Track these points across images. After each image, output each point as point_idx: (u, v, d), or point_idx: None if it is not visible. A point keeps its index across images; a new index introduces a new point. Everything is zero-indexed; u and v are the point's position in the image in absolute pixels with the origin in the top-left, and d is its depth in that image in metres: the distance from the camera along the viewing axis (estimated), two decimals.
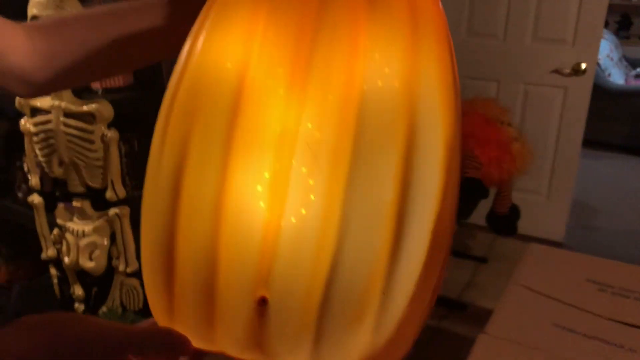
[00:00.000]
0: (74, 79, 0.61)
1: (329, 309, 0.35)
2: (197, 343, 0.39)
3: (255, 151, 0.36)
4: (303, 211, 0.35)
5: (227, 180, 0.36)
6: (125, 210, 1.47)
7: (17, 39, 0.55)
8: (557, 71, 2.41)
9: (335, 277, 0.35)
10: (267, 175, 0.35)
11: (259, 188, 0.35)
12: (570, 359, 1.04)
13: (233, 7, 0.39)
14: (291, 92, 0.36)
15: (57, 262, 1.64)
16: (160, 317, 0.40)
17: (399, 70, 0.36)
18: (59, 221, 1.55)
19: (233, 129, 0.36)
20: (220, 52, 0.38)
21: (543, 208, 2.67)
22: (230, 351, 0.38)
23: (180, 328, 0.39)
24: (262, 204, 0.35)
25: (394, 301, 0.36)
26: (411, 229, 0.35)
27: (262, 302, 0.35)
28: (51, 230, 1.60)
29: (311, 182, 0.35)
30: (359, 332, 0.36)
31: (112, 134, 1.37)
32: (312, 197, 0.35)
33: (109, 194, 1.44)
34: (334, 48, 0.36)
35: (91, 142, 1.38)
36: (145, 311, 1.64)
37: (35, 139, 1.43)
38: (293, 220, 0.35)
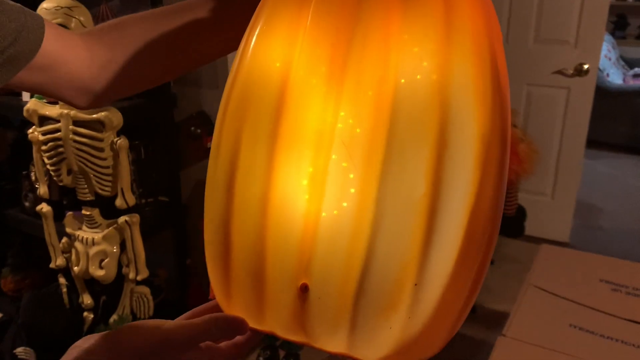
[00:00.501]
0: (135, 83, 0.59)
1: (363, 298, 0.37)
2: (251, 323, 0.42)
3: (298, 147, 0.37)
4: (344, 204, 0.36)
5: (273, 175, 0.38)
6: (135, 218, 1.46)
7: (74, 48, 0.54)
8: (559, 72, 2.42)
9: (369, 268, 0.36)
10: (310, 169, 0.37)
11: (304, 182, 0.37)
12: None
13: (280, 12, 0.40)
14: (330, 89, 0.37)
15: (66, 271, 1.64)
16: (221, 300, 0.43)
17: (436, 64, 0.36)
18: (68, 230, 1.54)
19: (278, 127, 0.38)
20: (268, 54, 0.40)
21: (548, 208, 2.68)
22: (278, 332, 0.41)
23: (237, 310, 0.42)
24: (306, 196, 0.37)
25: (426, 294, 0.37)
26: (443, 223, 0.36)
27: (304, 289, 0.38)
28: (60, 239, 1.60)
29: (351, 176, 0.36)
30: (391, 321, 0.37)
31: (122, 142, 1.37)
32: (352, 190, 0.36)
33: (118, 202, 1.43)
34: (369, 45, 0.37)
35: (101, 150, 1.38)
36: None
37: (43, 147, 1.43)
38: (335, 212, 0.37)
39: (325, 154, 0.37)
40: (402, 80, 0.36)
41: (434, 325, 0.38)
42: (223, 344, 0.45)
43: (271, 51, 0.39)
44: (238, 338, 0.45)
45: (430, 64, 0.36)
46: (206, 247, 0.43)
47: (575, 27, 2.37)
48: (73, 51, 0.54)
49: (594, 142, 3.82)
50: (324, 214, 0.37)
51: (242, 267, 0.40)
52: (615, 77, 4.43)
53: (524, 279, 1.28)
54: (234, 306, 0.42)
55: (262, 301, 0.40)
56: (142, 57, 0.56)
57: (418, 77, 0.36)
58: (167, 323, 0.41)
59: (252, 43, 0.41)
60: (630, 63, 4.85)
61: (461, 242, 0.36)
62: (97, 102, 0.58)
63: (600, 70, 4.15)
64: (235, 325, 0.42)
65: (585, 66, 2.36)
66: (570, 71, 2.40)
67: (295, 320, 0.39)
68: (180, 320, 0.45)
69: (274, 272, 0.38)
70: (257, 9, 0.43)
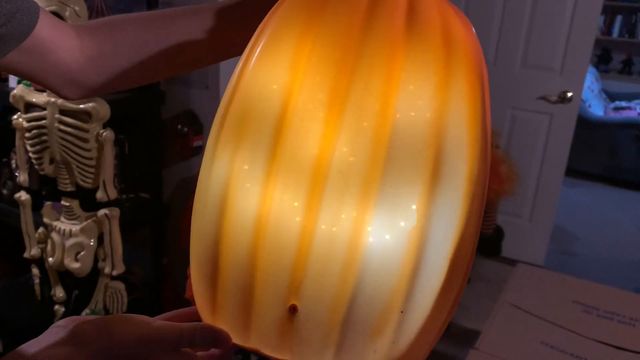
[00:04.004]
0: (122, 81, 0.60)
1: (352, 322, 0.38)
2: (235, 339, 0.42)
3: (295, 170, 0.38)
4: (334, 229, 0.37)
5: (268, 196, 0.38)
6: (115, 212, 1.45)
7: (65, 37, 0.55)
8: (544, 98, 2.47)
9: (358, 295, 0.38)
10: (306, 193, 0.38)
11: (296, 204, 0.38)
12: None
13: (283, 34, 0.41)
14: (330, 117, 0.38)
15: (40, 262, 1.61)
16: (204, 314, 0.44)
17: (431, 104, 0.38)
18: (46, 220, 1.52)
19: (276, 148, 0.38)
20: (268, 76, 0.40)
21: (525, 231, 2.71)
22: (263, 350, 0.41)
23: (221, 325, 0.42)
24: (300, 219, 0.38)
25: (411, 319, 0.39)
26: (431, 254, 0.38)
27: (293, 310, 0.38)
28: (36, 229, 1.58)
29: (346, 203, 0.37)
30: (377, 345, 0.39)
31: (107, 134, 1.36)
32: (343, 216, 0.37)
33: (99, 195, 1.42)
34: (371, 78, 0.39)
35: (85, 140, 1.37)
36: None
37: (27, 135, 1.42)
38: (328, 237, 0.38)
39: (322, 180, 0.38)
40: (398, 116, 0.38)
41: (416, 348, 0.40)
42: (200, 353, 0.45)
43: (273, 73, 0.40)
44: (214, 350, 0.45)
45: (424, 103, 0.38)
46: (192, 262, 0.43)
47: (561, 56, 2.43)
48: (64, 40, 0.55)
49: (572, 171, 3.89)
50: (317, 238, 0.38)
51: (231, 285, 0.40)
52: (597, 108, 4.53)
53: (498, 298, 1.30)
54: (218, 321, 0.42)
55: (248, 319, 0.40)
56: (131, 55, 0.57)
57: (412, 113, 0.38)
58: (157, 321, 0.41)
59: (253, 63, 0.41)
60: (611, 96, 4.96)
61: (446, 271, 0.39)
62: (82, 94, 0.59)
63: (582, 100, 4.23)
64: (220, 339, 0.42)
65: (569, 94, 2.41)
66: (554, 98, 2.45)
67: (282, 339, 0.40)
68: (161, 320, 0.45)
69: (263, 292, 0.39)
70: (260, 26, 0.44)
